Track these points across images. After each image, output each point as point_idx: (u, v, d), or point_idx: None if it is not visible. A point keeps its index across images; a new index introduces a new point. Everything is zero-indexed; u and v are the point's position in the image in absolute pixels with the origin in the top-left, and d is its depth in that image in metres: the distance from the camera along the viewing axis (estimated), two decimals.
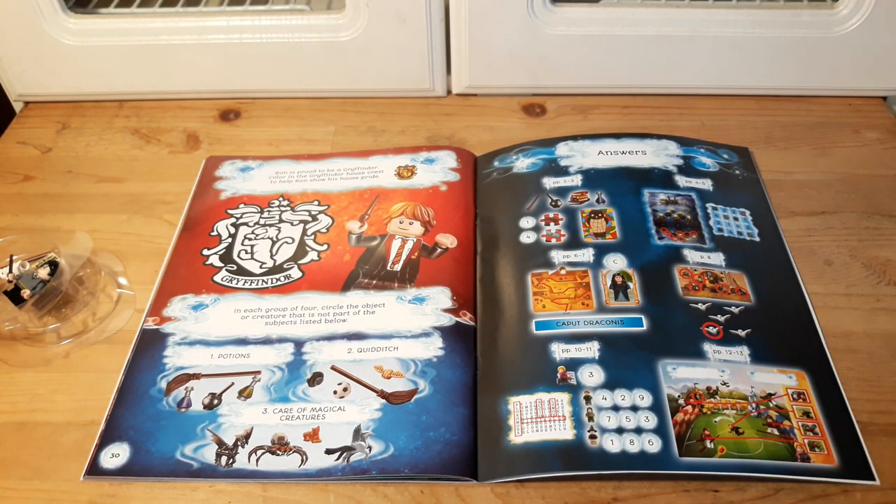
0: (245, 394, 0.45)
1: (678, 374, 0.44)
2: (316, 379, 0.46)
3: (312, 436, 0.43)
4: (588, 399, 0.44)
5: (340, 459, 0.42)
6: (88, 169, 0.63)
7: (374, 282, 0.51)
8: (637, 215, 0.54)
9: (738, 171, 0.59)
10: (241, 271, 0.53)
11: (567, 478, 0.41)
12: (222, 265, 0.53)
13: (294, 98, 0.69)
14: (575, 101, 0.68)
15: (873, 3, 0.61)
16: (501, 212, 0.56)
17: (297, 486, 0.41)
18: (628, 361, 0.45)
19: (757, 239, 0.53)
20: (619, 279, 0.50)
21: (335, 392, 0.45)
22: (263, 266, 0.53)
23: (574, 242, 0.52)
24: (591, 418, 0.43)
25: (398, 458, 0.42)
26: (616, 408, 0.43)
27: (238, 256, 0.54)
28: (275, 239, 0.55)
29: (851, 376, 0.45)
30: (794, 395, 0.44)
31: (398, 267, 0.52)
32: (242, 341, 0.48)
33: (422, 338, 0.48)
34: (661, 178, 0.57)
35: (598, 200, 0.55)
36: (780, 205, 0.57)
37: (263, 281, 0.52)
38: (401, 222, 0.55)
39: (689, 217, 0.54)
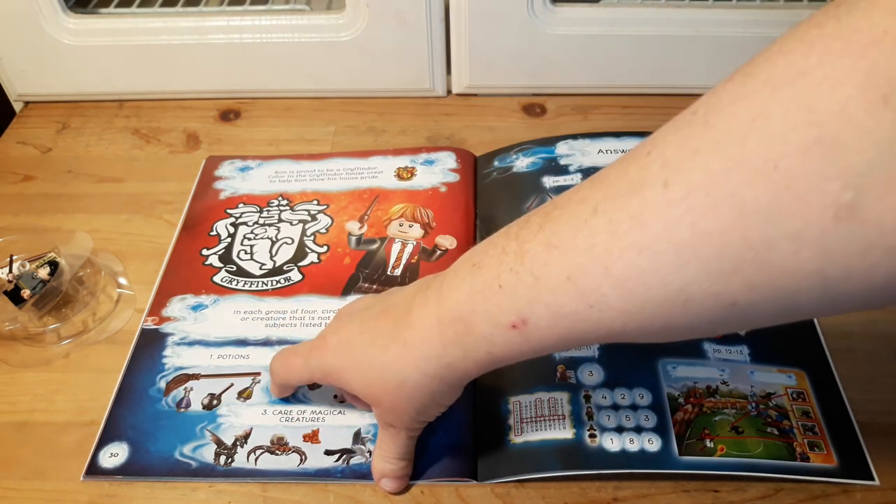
0: (244, 395, 0.45)
1: (678, 373, 0.44)
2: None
3: (312, 437, 0.43)
4: (588, 398, 0.44)
5: (340, 461, 0.42)
6: (88, 169, 0.63)
7: (375, 286, 0.51)
8: None
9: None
10: (241, 272, 0.53)
11: (567, 478, 0.41)
12: (222, 265, 0.53)
13: (294, 98, 0.69)
14: (575, 101, 0.68)
15: None
16: (501, 211, 0.56)
17: (297, 486, 0.41)
18: (628, 360, 0.45)
19: None
20: None
21: (335, 396, 0.45)
22: (263, 267, 0.53)
23: None
24: (590, 417, 0.43)
25: None
26: (616, 407, 0.43)
27: (237, 257, 0.54)
28: (274, 239, 0.55)
29: (851, 376, 0.45)
30: (794, 395, 0.44)
31: (398, 272, 0.52)
32: (242, 342, 0.48)
33: None
34: None
35: None
36: None
37: (263, 283, 0.52)
38: (400, 225, 0.55)
39: None
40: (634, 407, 0.43)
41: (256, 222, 0.56)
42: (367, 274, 0.52)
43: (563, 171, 0.58)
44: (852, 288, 0.23)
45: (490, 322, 0.31)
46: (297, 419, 0.44)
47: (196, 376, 0.46)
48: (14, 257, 0.50)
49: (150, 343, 0.48)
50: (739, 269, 0.24)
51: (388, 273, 0.52)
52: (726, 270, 0.24)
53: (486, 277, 0.31)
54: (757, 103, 0.23)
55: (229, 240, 0.55)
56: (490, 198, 0.57)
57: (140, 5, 0.67)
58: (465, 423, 0.43)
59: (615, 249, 0.26)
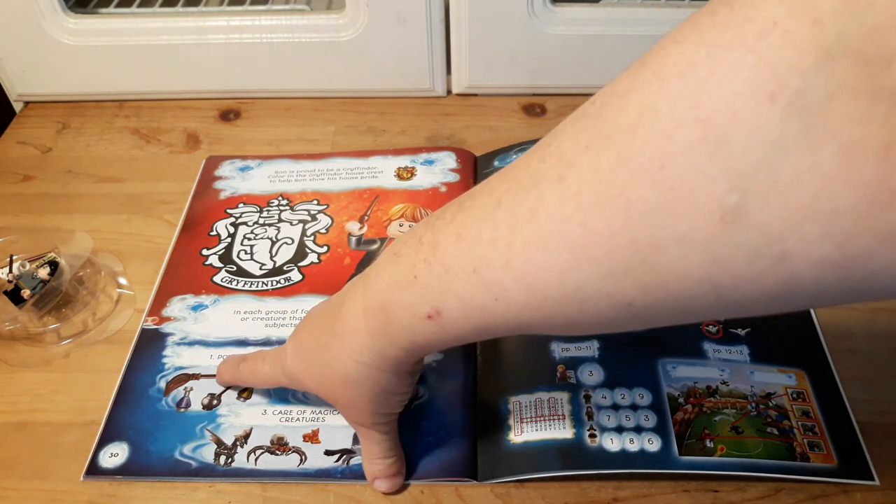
0: (244, 395, 0.45)
1: (678, 373, 0.44)
2: None
3: (312, 437, 0.43)
4: (588, 398, 0.44)
5: (340, 461, 0.42)
6: (88, 169, 0.63)
7: None
8: None
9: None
10: (241, 272, 0.53)
11: (567, 478, 0.41)
12: (222, 265, 0.53)
13: (294, 98, 0.69)
14: (575, 101, 0.68)
15: None
16: None
17: (297, 486, 0.41)
18: (628, 360, 0.45)
19: None
20: None
21: None
22: (263, 267, 0.53)
23: None
24: (590, 417, 0.43)
25: None
26: (616, 406, 0.43)
27: (237, 257, 0.54)
28: (274, 239, 0.55)
29: (851, 376, 0.45)
30: (794, 395, 0.44)
31: None
32: (242, 342, 0.48)
33: None
34: None
35: None
36: None
37: (263, 283, 0.52)
38: (400, 225, 0.55)
39: None
40: (634, 407, 0.43)
41: (256, 222, 0.56)
42: None
43: None
44: (745, 296, 0.22)
45: (408, 312, 0.31)
46: (297, 419, 0.44)
47: (196, 376, 0.46)
48: (14, 257, 0.50)
49: (150, 343, 0.48)
50: (630, 271, 0.23)
51: None
52: (618, 272, 0.23)
53: (403, 267, 0.31)
54: (646, 96, 0.22)
55: (229, 240, 0.55)
56: None
57: (140, 5, 0.67)
58: (465, 423, 0.43)
59: (515, 243, 0.26)
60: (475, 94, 0.69)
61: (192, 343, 0.48)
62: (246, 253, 0.54)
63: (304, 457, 0.42)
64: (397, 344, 0.32)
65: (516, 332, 0.30)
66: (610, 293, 0.24)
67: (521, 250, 0.26)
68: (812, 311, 0.49)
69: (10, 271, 0.49)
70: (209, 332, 0.49)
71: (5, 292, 0.49)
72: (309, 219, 0.56)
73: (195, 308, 0.50)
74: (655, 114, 0.22)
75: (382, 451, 0.39)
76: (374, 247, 0.54)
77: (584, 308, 0.25)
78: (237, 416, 0.44)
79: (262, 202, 0.58)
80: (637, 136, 0.22)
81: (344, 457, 0.42)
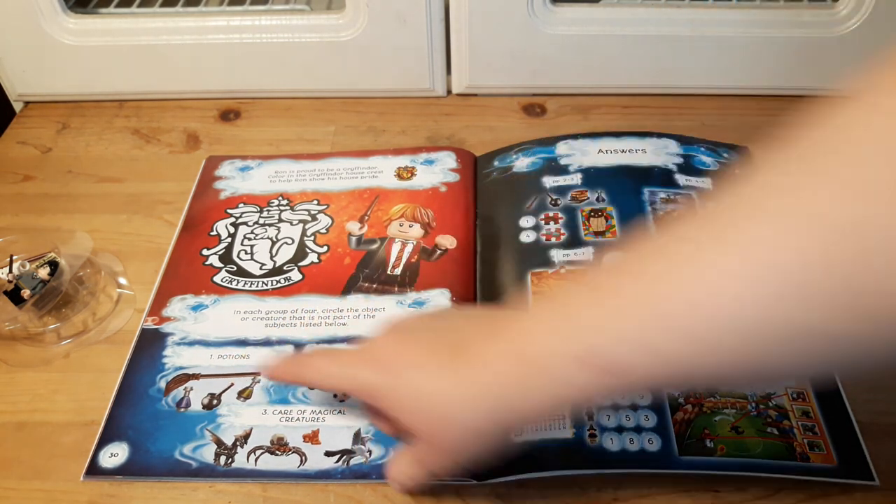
0: (244, 395, 0.45)
1: None
2: None
3: (312, 437, 0.43)
4: None
5: (340, 462, 0.42)
6: (88, 169, 0.63)
7: (375, 286, 0.51)
8: (637, 214, 0.54)
9: (738, 171, 0.59)
10: (241, 272, 0.53)
11: (567, 478, 0.41)
12: (222, 265, 0.53)
13: (294, 98, 0.69)
14: (575, 101, 0.68)
15: (873, 3, 0.61)
16: (501, 211, 0.56)
17: (297, 486, 0.41)
18: None
19: None
20: None
21: (335, 395, 0.45)
22: (263, 267, 0.53)
23: (574, 241, 0.52)
24: (590, 417, 0.43)
25: None
26: (616, 406, 0.43)
27: (238, 257, 0.54)
28: (274, 239, 0.55)
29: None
30: (794, 395, 0.44)
31: (398, 271, 0.52)
32: (242, 342, 0.48)
33: None
34: (661, 176, 0.57)
35: (597, 199, 0.55)
36: None
37: (263, 283, 0.52)
38: (400, 225, 0.55)
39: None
40: (634, 407, 0.43)
41: (256, 222, 0.56)
42: (367, 274, 0.52)
43: (563, 171, 0.58)
44: None
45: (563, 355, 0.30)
46: (297, 419, 0.44)
47: (196, 376, 0.46)
48: (14, 257, 0.50)
49: (150, 343, 0.48)
50: (840, 299, 0.23)
51: (388, 272, 0.52)
52: (828, 304, 0.23)
53: (573, 313, 0.31)
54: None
55: (229, 240, 0.55)
56: (490, 198, 0.57)
57: (140, 5, 0.68)
58: None
59: (722, 281, 0.26)
60: (475, 94, 0.69)
61: (192, 343, 0.48)
62: (246, 253, 0.54)
63: (304, 457, 0.42)
64: (535, 395, 0.32)
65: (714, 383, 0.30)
66: (817, 325, 0.24)
67: (730, 285, 0.25)
68: None
69: (10, 271, 0.49)
70: (209, 332, 0.49)
71: (5, 292, 0.49)
72: (309, 219, 0.56)
73: (195, 308, 0.50)
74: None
75: (421, 476, 0.38)
76: (374, 246, 0.54)
77: (789, 348, 0.25)
78: (237, 416, 0.44)
79: (262, 202, 0.58)
80: (853, 158, 0.23)
81: (344, 457, 0.42)
